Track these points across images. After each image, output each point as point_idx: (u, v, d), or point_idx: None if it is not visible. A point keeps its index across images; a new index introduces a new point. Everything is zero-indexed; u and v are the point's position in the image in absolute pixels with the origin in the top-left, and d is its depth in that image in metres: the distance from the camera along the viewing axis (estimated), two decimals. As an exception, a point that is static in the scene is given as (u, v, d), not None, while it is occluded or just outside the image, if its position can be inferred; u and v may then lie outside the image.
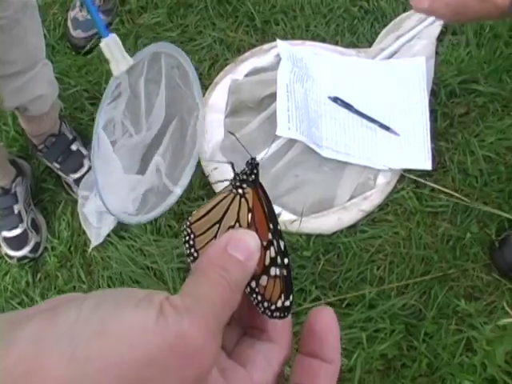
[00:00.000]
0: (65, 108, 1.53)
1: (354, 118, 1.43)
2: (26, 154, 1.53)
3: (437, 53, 1.54)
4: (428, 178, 1.41)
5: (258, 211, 0.36)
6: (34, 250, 1.42)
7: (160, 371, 0.28)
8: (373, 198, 1.38)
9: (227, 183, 0.37)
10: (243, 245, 0.32)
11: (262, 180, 0.36)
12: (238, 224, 0.36)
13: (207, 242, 0.36)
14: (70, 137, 1.47)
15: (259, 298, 0.35)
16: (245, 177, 0.36)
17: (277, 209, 1.35)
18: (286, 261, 0.35)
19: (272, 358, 0.35)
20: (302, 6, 1.62)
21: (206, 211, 0.37)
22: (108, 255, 1.40)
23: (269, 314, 0.35)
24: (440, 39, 1.56)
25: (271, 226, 0.35)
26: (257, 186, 0.36)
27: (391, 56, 1.54)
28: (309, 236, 1.36)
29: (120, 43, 1.17)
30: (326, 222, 1.36)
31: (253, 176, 0.36)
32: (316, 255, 1.35)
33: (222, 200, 0.36)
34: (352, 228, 1.39)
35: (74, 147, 1.46)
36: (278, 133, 1.32)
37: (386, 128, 1.42)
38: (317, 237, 1.37)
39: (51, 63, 1.36)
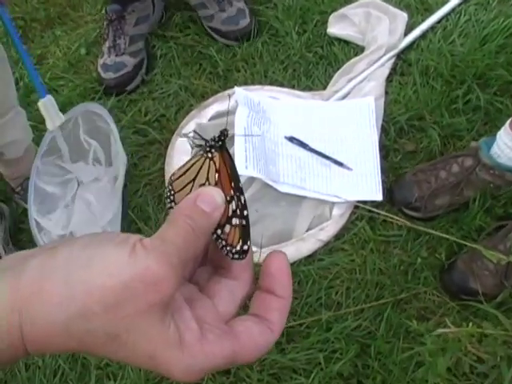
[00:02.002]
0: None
1: (310, 156, 1.54)
2: (4, 196, 1.64)
3: (386, 92, 1.66)
4: (381, 208, 1.52)
5: (224, 172, 0.42)
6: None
7: (131, 295, 0.35)
8: (329, 229, 1.48)
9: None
10: (210, 199, 0.39)
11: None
12: (207, 182, 0.42)
13: (184, 197, 0.41)
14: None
15: (223, 242, 0.41)
16: (213, 143, 0.43)
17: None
18: (245, 212, 0.42)
19: (236, 292, 0.42)
20: (260, 53, 1.75)
21: (183, 171, 0.43)
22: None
23: (230, 255, 0.42)
24: (389, 80, 1.69)
25: (233, 184, 0.42)
26: (223, 150, 0.43)
27: (344, 97, 1.66)
28: (270, 266, 1.46)
29: (55, 103, 1.38)
30: (286, 253, 1.45)
31: (220, 143, 0.43)
32: (277, 283, 1.44)
33: (195, 162, 0.43)
34: (310, 257, 1.48)
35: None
36: (236, 171, 1.43)
37: (340, 164, 1.53)
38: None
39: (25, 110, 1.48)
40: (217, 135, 0.43)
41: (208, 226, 0.39)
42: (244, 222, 0.42)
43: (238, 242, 0.41)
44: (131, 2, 1.75)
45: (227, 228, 0.41)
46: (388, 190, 1.53)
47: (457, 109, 1.62)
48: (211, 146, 0.43)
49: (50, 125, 1.41)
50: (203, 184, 0.42)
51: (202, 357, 0.38)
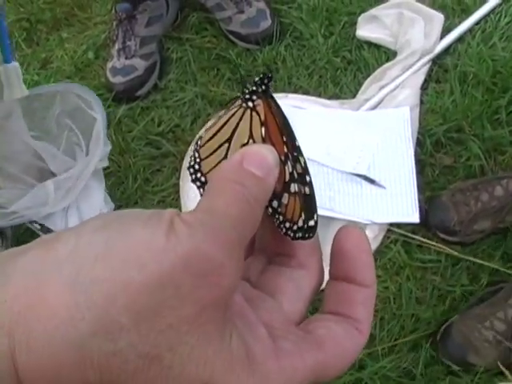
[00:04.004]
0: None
1: (338, 173, 1.41)
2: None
3: (421, 101, 1.53)
4: (417, 230, 1.38)
5: (272, 124, 0.33)
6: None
7: (174, 294, 0.25)
8: (360, 254, 1.35)
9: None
10: (260, 159, 0.29)
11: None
12: (251, 140, 0.32)
13: (216, 164, 0.33)
14: None
15: (281, 218, 0.32)
16: (254, 88, 0.33)
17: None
18: (307, 178, 0.32)
19: (303, 284, 0.33)
20: (283, 58, 1.61)
21: (215, 131, 0.33)
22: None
23: (291, 234, 0.32)
24: (424, 88, 1.55)
25: (288, 139, 0.32)
26: (267, 96, 0.33)
27: (375, 106, 1.52)
28: (296, 294, 1.33)
29: (20, 74, 1.20)
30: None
31: (263, 87, 0.33)
32: (304, 314, 1.32)
33: (231, 116, 0.33)
34: (340, 284, 1.35)
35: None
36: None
37: (371, 181, 1.39)
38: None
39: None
40: (257, 78, 0.33)
41: (263, 196, 0.29)
42: (307, 191, 0.32)
43: (300, 216, 0.32)
44: (143, 1, 1.62)
45: (285, 198, 0.32)
46: (422, 211, 1.39)
47: (499, 120, 1.48)
48: (252, 92, 0.32)
49: (6, 94, 1.22)
50: (245, 144, 0.32)
51: (280, 376, 0.27)
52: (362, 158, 1.43)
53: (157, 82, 1.63)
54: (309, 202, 0.33)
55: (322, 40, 1.63)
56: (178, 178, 1.47)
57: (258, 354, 0.27)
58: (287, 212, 0.32)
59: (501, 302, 1.26)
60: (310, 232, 0.32)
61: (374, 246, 1.36)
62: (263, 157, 0.29)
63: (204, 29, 1.70)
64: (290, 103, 1.51)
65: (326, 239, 1.21)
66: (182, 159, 1.49)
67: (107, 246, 0.25)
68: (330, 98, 1.56)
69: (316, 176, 1.40)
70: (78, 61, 1.68)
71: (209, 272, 0.25)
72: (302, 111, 1.50)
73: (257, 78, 0.33)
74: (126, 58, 1.61)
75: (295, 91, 1.57)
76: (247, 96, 0.33)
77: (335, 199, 1.37)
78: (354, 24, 1.64)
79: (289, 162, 0.32)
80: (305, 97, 1.55)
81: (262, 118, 0.33)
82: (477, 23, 1.63)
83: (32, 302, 0.25)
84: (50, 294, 0.25)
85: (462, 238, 1.36)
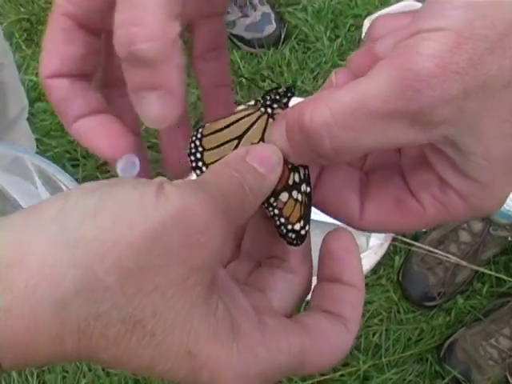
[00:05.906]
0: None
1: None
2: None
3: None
4: (422, 239, 1.36)
5: None
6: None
7: (162, 252, 0.24)
8: (366, 262, 1.32)
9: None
10: (264, 157, 0.30)
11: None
12: (261, 142, 0.33)
13: (221, 157, 0.32)
14: None
15: (276, 211, 0.33)
16: (278, 97, 0.34)
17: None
18: (308, 189, 0.33)
19: (293, 287, 0.33)
20: (288, 61, 1.59)
21: (223, 125, 0.34)
22: None
23: (284, 231, 0.33)
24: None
25: None
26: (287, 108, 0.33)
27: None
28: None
29: None
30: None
31: (286, 99, 0.34)
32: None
33: (245, 116, 0.34)
34: (345, 293, 1.33)
35: None
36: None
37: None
38: (307, 303, 1.32)
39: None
40: (282, 89, 0.34)
41: (262, 191, 0.30)
42: (306, 201, 0.33)
43: (298, 221, 0.32)
44: None
45: (284, 196, 0.33)
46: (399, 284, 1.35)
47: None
48: (274, 101, 0.34)
49: None
50: (256, 144, 0.33)
51: (265, 352, 0.27)
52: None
53: (159, 84, 1.60)
54: (306, 212, 0.33)
55: (328, 43, 1.60)
56: (180, 182, 1.45)
57: (243, 326, 0.27)
58: (285, 210, 0.33)
59: (507, 317, 1.23)
60: (301, 240, 0.33)
61: (380, 254, 1.34)
62: (267, 155, 0.30)
63: (207, 31, 1.67)
64: (294, 107, 1.49)
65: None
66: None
67: (96, 206, 0.25)
68: (335, 102, 1.53)
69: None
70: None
71: (196, 231, 0.25)
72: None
73: (281, 90, 0.34)
74: None
75: (300, 95, 1.54)
76: (268, 102, 0.34)
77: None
78: (359, 27, 1.62)
79: (296, 173, 0.33)
80: (310, 101, 1.53)
81: None
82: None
83: (14, 259, 0.23)
84: (33, 251, 0.24)
85: (446, 297, 1.32)
